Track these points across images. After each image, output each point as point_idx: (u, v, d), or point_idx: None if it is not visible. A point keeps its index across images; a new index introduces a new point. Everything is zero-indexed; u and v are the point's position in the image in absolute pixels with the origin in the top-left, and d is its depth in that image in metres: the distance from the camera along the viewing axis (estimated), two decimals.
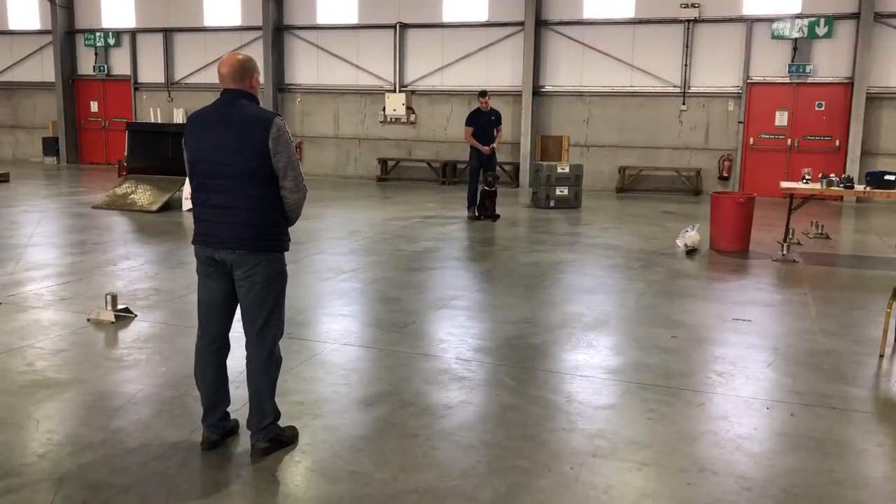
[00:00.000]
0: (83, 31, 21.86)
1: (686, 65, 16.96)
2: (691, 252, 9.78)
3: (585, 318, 6.62)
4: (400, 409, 4.55)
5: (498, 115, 12.79)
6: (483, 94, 12.62)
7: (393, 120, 19.09)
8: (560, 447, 4.07)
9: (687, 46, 16.89)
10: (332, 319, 6.62)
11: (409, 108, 18.95)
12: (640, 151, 17.52)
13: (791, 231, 10.13)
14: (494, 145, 12.58)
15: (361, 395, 4.78)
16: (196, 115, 3.87)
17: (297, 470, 3.85)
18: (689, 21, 16.75)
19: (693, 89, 17.06)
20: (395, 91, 19.06)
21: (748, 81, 16.70)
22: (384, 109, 19.09)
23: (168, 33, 20.99)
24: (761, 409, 4.64)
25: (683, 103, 17.13)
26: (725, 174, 16.98)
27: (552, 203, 14.15)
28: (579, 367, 5.37)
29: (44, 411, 4.48)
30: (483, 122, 12.49)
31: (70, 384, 4.86)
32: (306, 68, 19.96)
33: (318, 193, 16.36)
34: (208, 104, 3.83)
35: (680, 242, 10.04)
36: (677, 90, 17.13)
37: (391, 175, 19.12)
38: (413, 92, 19.04)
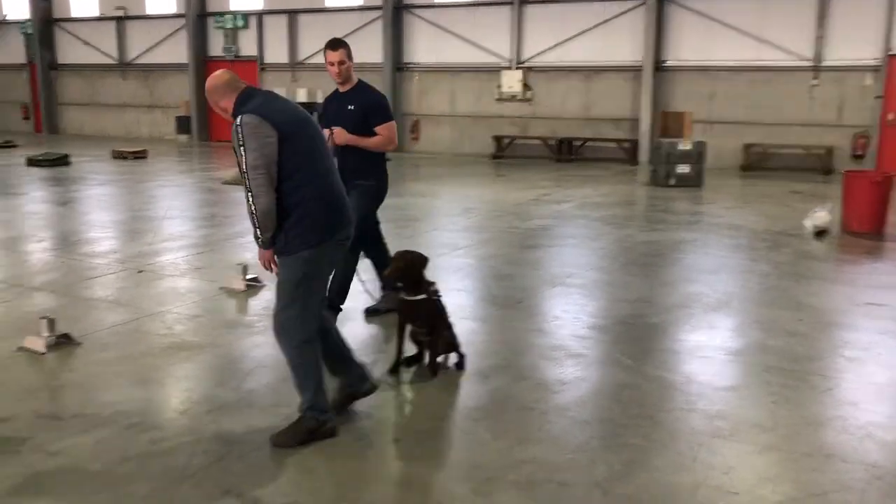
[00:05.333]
0: (213, 14, 22.85)
1: (820, 37, 16.05)
2: (820, 233, 9.31)
3: (706, 299, 6.45)
4: (515, 383, 4.60)
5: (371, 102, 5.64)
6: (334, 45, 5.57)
7: (509, 97, 19.04)
8: (678, 427, 4.02)
9: (821, 17, 15.97)
10: (445, 294, 6.66)
11: (526, 85, 18.84)
12: (766, 128, 16.75)
13: None
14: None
15: (477, 368, 4.86)
16: None
17: (414, 435, 3.98)
18: None
19: (826, 63, 16.13)
20: (511, 68, 18.98)
21: (889, 53, 15.64)
22: (500, 87, 19.06)
23: (292, 15, 21.64)
24: (895, 397, 4.42)
25: (815, 77, 16.24)
26: (860, 152, 16.01)
27: (672, 181, 13.77)
28: (699, 347, 5.25)
29: (182, 371, 4.80)
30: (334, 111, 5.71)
31: (205, 347, 5.17)
32: (424, 47, 20.14)
33: (432, 171, 16.58)
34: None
35: (808, 223, 9.57)
36: (808, 64, 16.24)
37: (506, 153, 19.09)
38: (530, 69, 18.90)
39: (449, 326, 4.77)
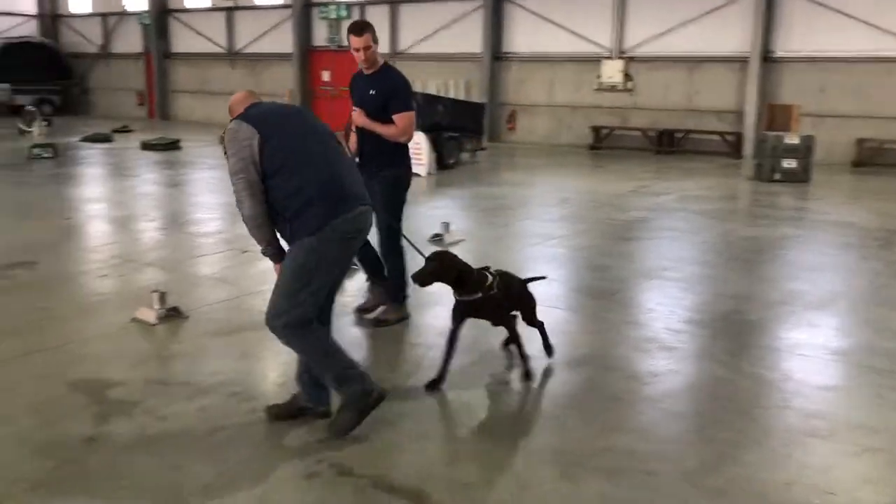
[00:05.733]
0: (318, 5, 23.38)
1: None
2: None
3: (809, 297, 6.21)
4: (604, 373, 4.58)
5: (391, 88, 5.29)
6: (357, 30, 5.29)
7: (608, 87, 18.75)
8: (772, 424, 3.92)
9: None
10: (538, 283, 6.71)
11: (627, 75, 18.50)
12: (881, 122, 15.88)
13: None
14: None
15: (567, 357, 4.85)
16: None
17: (504, 419, 4.03)
18: None
19: None
20: (612, 58, 18.67)
21: None
22: (600, 76, 18.79)
23: (394, 5, 21.92)
24: None
25: None
26: None
27: (777, 176, 13.26)
28: (799, 345, 5.08)
29: (281, 346, 4.98)
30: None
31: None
32: (523, 36, 20.03)
33: (529, 161, 16.53)
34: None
35: None
36: None
37: (604, 144, 18.81)
38: (631, 58, 18.54)
39: (534, 312, 4.71)
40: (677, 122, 18.03)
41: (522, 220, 9.49)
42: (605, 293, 6.33)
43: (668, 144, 17.94)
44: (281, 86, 24.43)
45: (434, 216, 9.12)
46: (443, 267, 4.10)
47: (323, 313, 3.80)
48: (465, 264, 4.22)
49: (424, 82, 20.58)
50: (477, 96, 19.64)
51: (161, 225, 9.11)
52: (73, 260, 7.44)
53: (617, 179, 13.45)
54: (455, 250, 7.06)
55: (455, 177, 13.71)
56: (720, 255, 7.82)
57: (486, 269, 4.34)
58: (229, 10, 25.15)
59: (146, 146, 17.21)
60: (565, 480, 3.32)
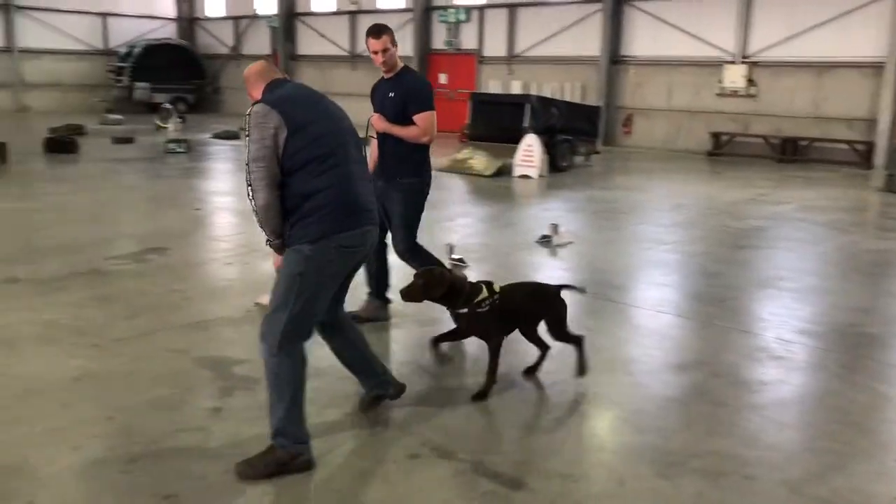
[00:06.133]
0: (438, 8, 23.79)
1: None
2: None
3: None
4: (711, 378, 4.54)
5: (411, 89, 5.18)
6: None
7: (730, 92, 18.21)
8: (887, 438, 3.81)
9: None
10: (648, 287, 6.70)
11: (750, 81, 17.92)
12: None
13: None
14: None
15: (673, 361, 4.85)
16: None
17: (607, 416, 4.09)
18: None
19: None
20: (735, 62, 18.13)
21: None
22: (721, 81, 18.28)
23: (512, 8, 22.03)
24: None
25: None
26: None
27: None
28: None
29: (392, 335, 5.23)
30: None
31: (412, 316, 5.53)
32: (642, 40, 19.73)
33: (644, 166, 16.29)
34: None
35: None
36: None
37: (724, 150, 18.28)
38: (755, 63, 17.95)
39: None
40: (802, 130, 17.32)
41: (635, 225, 9.41)
42: (716, 300, 6.23)
43: (791, 153, 17.26)
44: None
45: (543, 218, 9.18)
46: (429, 285, 3.93)
47: (335, 320, 3.76)
48: (459, 279, 4.11)
49: (540, 85, 20.65)
50: (592, 99, 19.51)
51: None
52: (202, 247, 7.95)
53: (735, 187, 13.08)
54: (563, 252, 7.18)
55: (567, 179, 13.69)
56: (840, 267, 7.54)
57: (489, 284, 4.16)
58: (352, 14, 25.95)
59: None
60: (663, 479, 3.35)
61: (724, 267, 7.41)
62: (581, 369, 4.36)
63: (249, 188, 3.26)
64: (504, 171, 13.87)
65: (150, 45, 27.94)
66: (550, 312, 4.35)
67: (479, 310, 4.02)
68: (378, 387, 3.97)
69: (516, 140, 13.84)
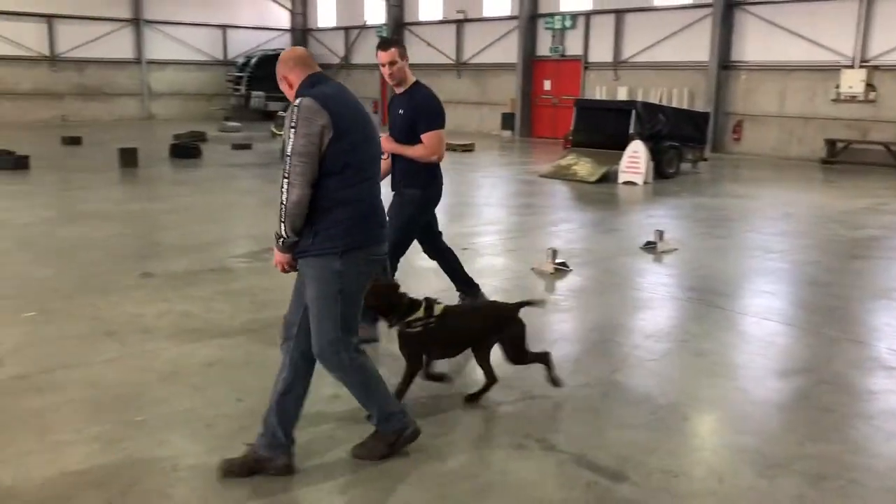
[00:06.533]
0: (543, 16, 23.90)
1: None
2: None
3: None
4: (816, 385, 4.53)
5: (418, 107, 5.17)
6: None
7: (847, 98, 17.53)
8: None
9: None
10: (754, 295, 6.65)
11: (870, 86, 17.20)
12: None
13: None
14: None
15: (777, 367, 4.85)
16: None
17: (708, 418, 4.17)
18: None
19: None
20: (853, 66, 17.45)
21: None
22: (838, 86, 17.62)
23: (619, 14, 21.90)
24: None
25: None
26: None
27: None
28: None
29: None
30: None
31: None
32: (753, 44, 19.24)
33: (754, 173, 15.92)
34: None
35: None
36: None
37: (839, 158, 17.60)
38: (875, 67, 17.22)
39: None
40: None
41: (743, 233, 9.27)
42: (825, 309, 6.14)
43: None
44: (504, 95, 25.21)
45: (648, 224, 9.19)
46: (370, 295, 3.63)
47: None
48: (396, 294, 3.93)
49: (646, 91, 20.45)
50: (700, 105, 19.17)
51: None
52: None
53: (850, 196, 12.63)
54: (668, 259, 7.22)
55: (674, 186, 13.56)
56: None
57: (431, 303, 3.98)
58: (459, 23, 26.38)
59: None
60: (763, 479, 3.42)
61: (834, 276, 7.26)
62: (554, 383, 4.20)
63: (285, 180, 3.20)
64: (608, 178, 13.86)
65: (265, 56, 29.18)
66: (505, 335, 4.14)
67: (409, 329, 3.91)
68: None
69: (621, 146, 13.80)
